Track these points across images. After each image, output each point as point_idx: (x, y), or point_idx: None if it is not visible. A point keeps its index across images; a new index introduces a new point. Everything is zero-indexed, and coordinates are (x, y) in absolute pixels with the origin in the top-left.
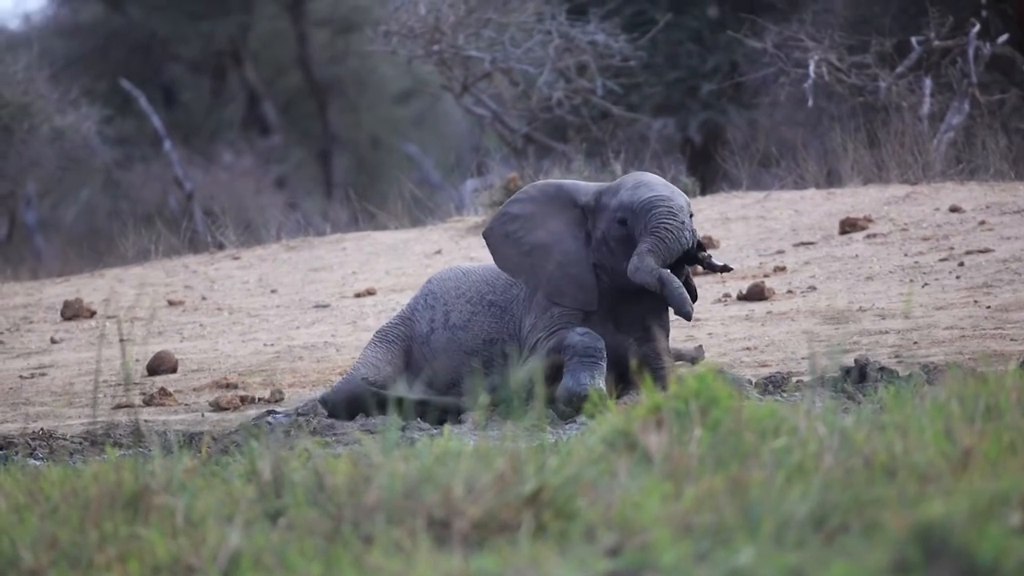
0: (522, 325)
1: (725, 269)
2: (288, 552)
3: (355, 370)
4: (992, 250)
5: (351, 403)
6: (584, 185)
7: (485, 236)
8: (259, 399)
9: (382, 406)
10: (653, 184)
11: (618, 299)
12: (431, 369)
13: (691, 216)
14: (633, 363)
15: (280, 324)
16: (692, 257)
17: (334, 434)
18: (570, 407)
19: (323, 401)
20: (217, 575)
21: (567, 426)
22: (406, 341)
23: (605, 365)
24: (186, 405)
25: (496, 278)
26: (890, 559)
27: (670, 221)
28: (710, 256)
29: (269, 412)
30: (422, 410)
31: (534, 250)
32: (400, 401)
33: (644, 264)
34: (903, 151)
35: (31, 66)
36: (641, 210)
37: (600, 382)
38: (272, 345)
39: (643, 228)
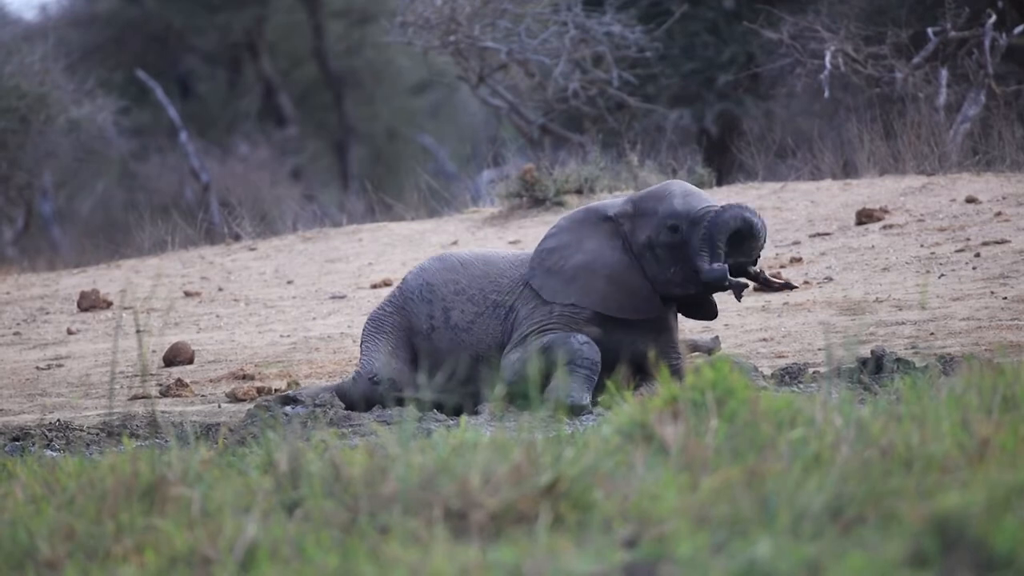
0: (517, 314)
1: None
2: (305, 543)
3: (364, 368)
4: (1008, 241)
5: (366, 402)
6: (608, 201)
7: (529, 280)
8: (276, 390)
9: (399, 401)
10: (701, 194)
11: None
12: (442, 369)
13: None
14: (651, 355)
15: (296, 315)
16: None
17: (351, 425)
18: (569, 414)
19: (339, 392)
20: (234, 566)
21: (583, 418)
22: (405, 332)
23: (597, 379)
24: (203, 396)
25: (500, 275)
26: (907, 550)
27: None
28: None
29: (285, 400)
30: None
31: (578, 273)
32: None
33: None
34: (919, 142)
35: (47, 57)
36: (702, 217)
37: (588, 397)
38: (288, 336)
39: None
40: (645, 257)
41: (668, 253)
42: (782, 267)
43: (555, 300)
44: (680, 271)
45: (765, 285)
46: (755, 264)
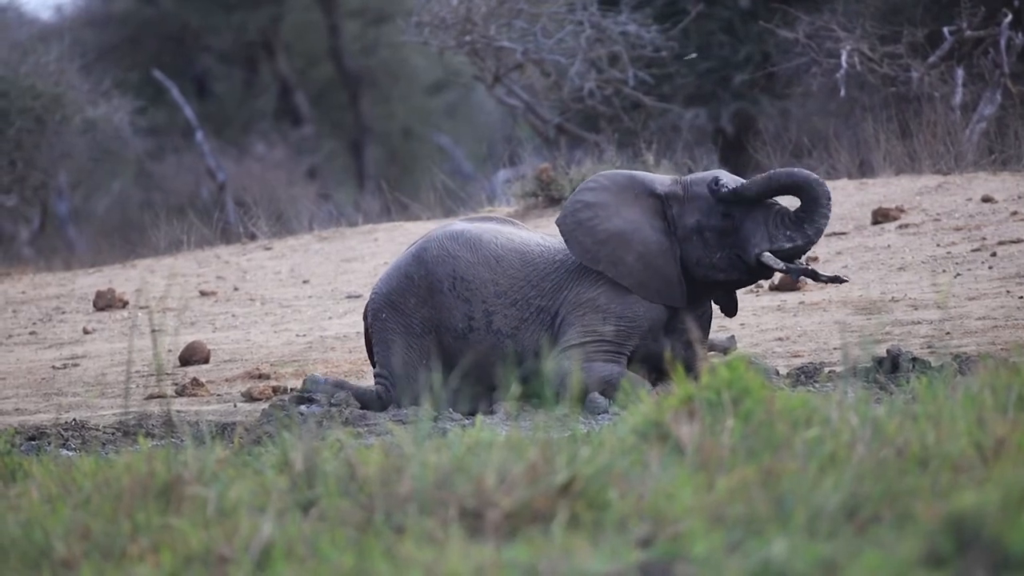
0: (563, 320)
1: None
2: (320, 542)
3: (391, 388)
4: None
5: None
6: (656, 176)
7: (558, 224)
8: (291, 389)
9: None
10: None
11: (689, 296)
12: (474, 369)
13: None
14: (666, 354)
15: (312, 314)
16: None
17: (366, 424)
18: (589, 409)
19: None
20: (249, 565)
21: (599, 417)
22: (435, 330)
23: None
24: (218, 395)
25: (542, 278)
26: (922, 550)
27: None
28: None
29: (301, 400)
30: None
31: (611, 239)
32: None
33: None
34: (935, 141)
35: (63, 57)
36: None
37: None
38: (304, 335)
39: (767, 211)
40: (692, 241)
41: (717, 238)
42: None
43: (582, 259)
44: (726, 256)
45: (813, 277)
46: (809, 248)
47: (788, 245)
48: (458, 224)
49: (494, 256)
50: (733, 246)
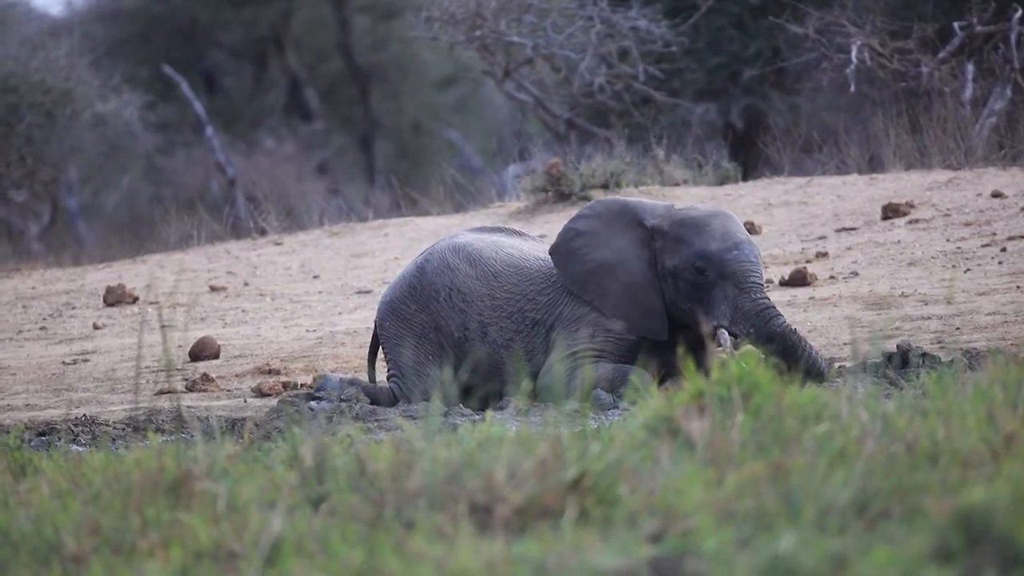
0: (557, 334)
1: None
2: (330, 538)
3: (406, 388)
4: None
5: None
6: (650, 205)
7: (551, 253)
8: (301, 385)
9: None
10: (741, 240)
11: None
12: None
13: None
14: (679, 350)
15: (322, 310)
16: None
17: (376, 420)
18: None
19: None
20: (259, 561)
21: (609, 412)
22: (436, 332)
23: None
24: (228, 391)
25: (538, 292)
26: (932, 545)
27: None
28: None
29: (311, 395)
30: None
31: (599, 268)
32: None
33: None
34: (945, 136)
35: (73, 52)
36: (733, 273)
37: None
38: (314, 331)
39: (738, 291)
40: (667, 281)
41: (689, 289)
42: (808, 262)
43: (572, 287)
44: (692, 310)
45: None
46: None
47: (743, 335)
48: (463, 236)
49: (492, 271)
50: (700, 303)
